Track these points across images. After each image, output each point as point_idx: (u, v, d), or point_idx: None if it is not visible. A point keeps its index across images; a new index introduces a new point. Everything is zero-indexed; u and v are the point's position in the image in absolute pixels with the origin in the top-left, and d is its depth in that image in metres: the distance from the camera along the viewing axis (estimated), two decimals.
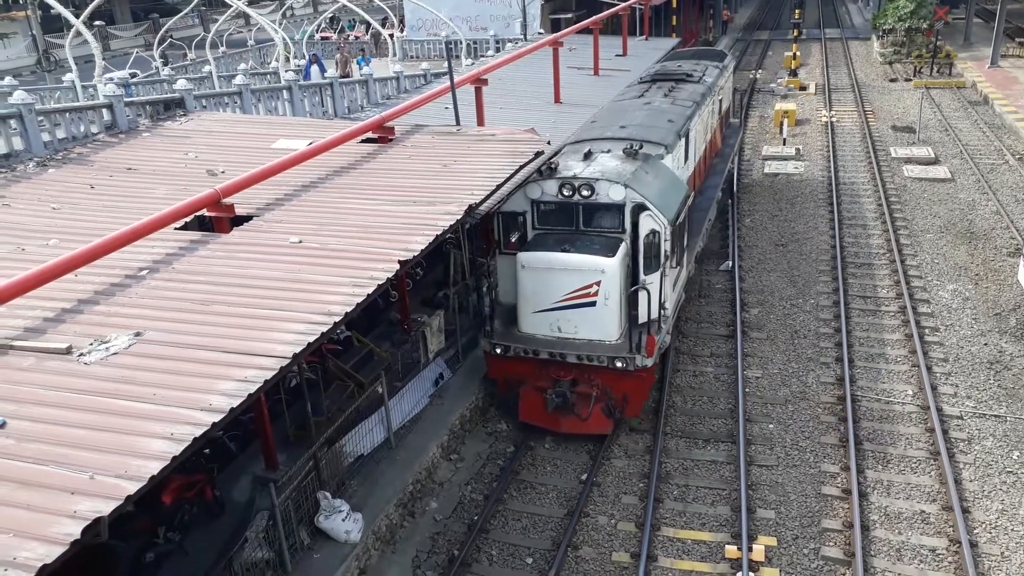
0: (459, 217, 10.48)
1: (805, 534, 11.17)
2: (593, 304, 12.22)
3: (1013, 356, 15.06)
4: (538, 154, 13.53)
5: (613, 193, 12.47)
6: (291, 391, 11.38)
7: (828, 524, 11.30)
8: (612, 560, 10.91)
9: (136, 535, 9.01)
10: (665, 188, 13.23)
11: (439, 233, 9.88)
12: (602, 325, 12.39)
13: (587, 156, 13.54)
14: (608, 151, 13.73)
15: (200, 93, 18.45)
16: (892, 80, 39.78)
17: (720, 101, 21.30)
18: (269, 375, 6.84)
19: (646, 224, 12.33)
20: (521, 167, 12.85)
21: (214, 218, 10.65)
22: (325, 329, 7.62)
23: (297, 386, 11.25)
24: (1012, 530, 10.97)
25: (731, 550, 10.87)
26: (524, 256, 12.46)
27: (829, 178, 25.46)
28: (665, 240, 12.42)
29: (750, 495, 11.90)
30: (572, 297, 12.26)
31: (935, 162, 26.36)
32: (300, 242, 9.77)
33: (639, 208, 12.40)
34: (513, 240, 13.17)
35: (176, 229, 10.28)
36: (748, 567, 10.51)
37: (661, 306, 12.62)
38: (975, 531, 10.98)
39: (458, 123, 16.52)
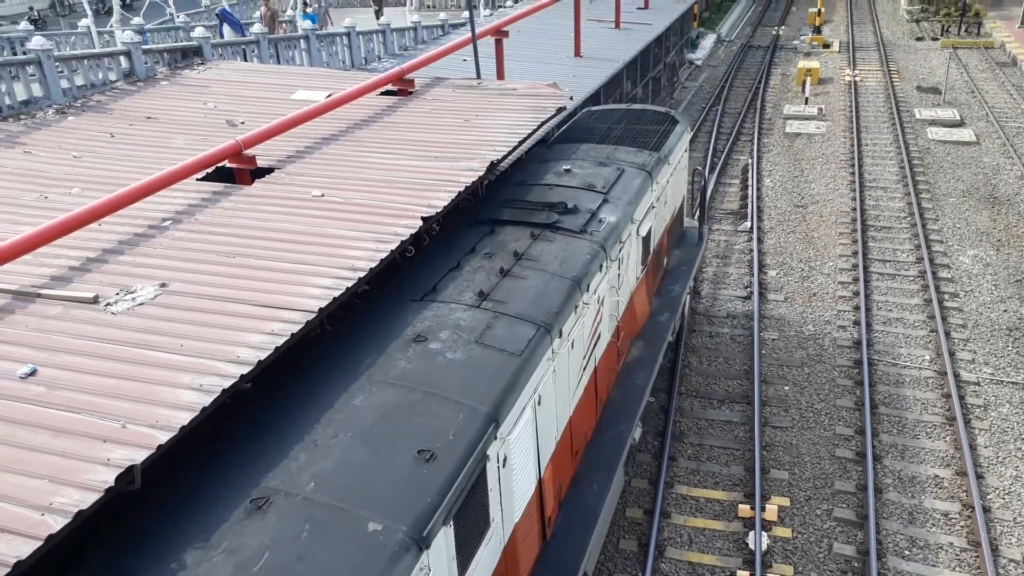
0: (481, 174, 10.38)
1: (818, 495, 11.27)
2: None
3: None
4: (560, 109, 13.24)
5: None
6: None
7: (841, 486, 11.39)
8: (626, 516, 11.07)
9: None
10: None
11: (461, 190, 9.82)
12: None
13: None
14: None
15: (217, 42, 18.24)
16: (918, 39, 38.90)
17: (648, 236, 11.51)
18: (296, 328, 6.86)
19: None
20: (544, 122, 12.64)
21: (236, 169, 10.62)
22: (350, 284, 7.63)
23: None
24: None
25: (744, 509, 11.01)
26: None
27: (851, 139, 25.09)
28: None
29: (764, 455, 12.00)
30: None
31: (960, 124, 25.91)
32: (322, 196, 9.72)
33: None
34: None
35: (198, 180, 10.26)
36: (761, 526, 10.65)
37: None
38: (988, 496, 11.05)
39: (479, 76, 16.28)
